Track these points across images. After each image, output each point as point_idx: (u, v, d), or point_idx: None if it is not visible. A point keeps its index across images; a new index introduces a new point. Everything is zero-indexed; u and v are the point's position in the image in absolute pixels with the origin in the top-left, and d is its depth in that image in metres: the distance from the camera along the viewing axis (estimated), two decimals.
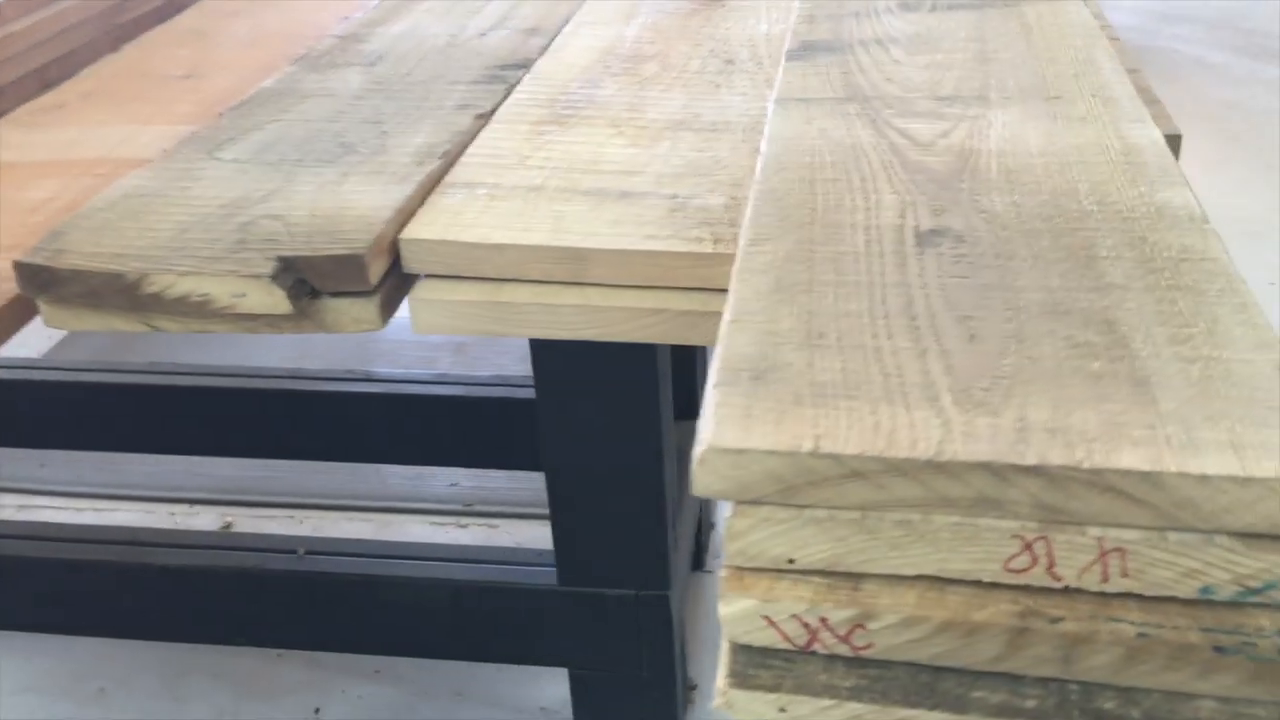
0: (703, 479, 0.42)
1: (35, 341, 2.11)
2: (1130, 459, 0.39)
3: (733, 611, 0.43)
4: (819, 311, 0.49)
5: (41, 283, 0.69)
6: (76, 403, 1.67)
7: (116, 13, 1.26)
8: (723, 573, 0.44)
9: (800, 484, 0.41)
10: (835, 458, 0.41)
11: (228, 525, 1.79)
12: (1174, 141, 0.93)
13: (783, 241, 0.55)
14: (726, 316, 0.50)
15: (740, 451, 0.41)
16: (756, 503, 0.42)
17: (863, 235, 0.55)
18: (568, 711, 1.31)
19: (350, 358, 2.11)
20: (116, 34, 1.25)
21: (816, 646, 0.43)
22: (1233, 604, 0.40)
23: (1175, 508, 0.39)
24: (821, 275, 0.52)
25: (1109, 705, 0.41)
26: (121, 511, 1.80)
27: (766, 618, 0.42)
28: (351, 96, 0.93)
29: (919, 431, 0.41)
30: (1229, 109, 3.29)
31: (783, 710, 0.42)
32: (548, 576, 1.21)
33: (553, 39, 1.05)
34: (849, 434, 0.41)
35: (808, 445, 0.41)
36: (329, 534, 1.74)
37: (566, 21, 1.10)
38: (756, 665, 0.43)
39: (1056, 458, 0.39)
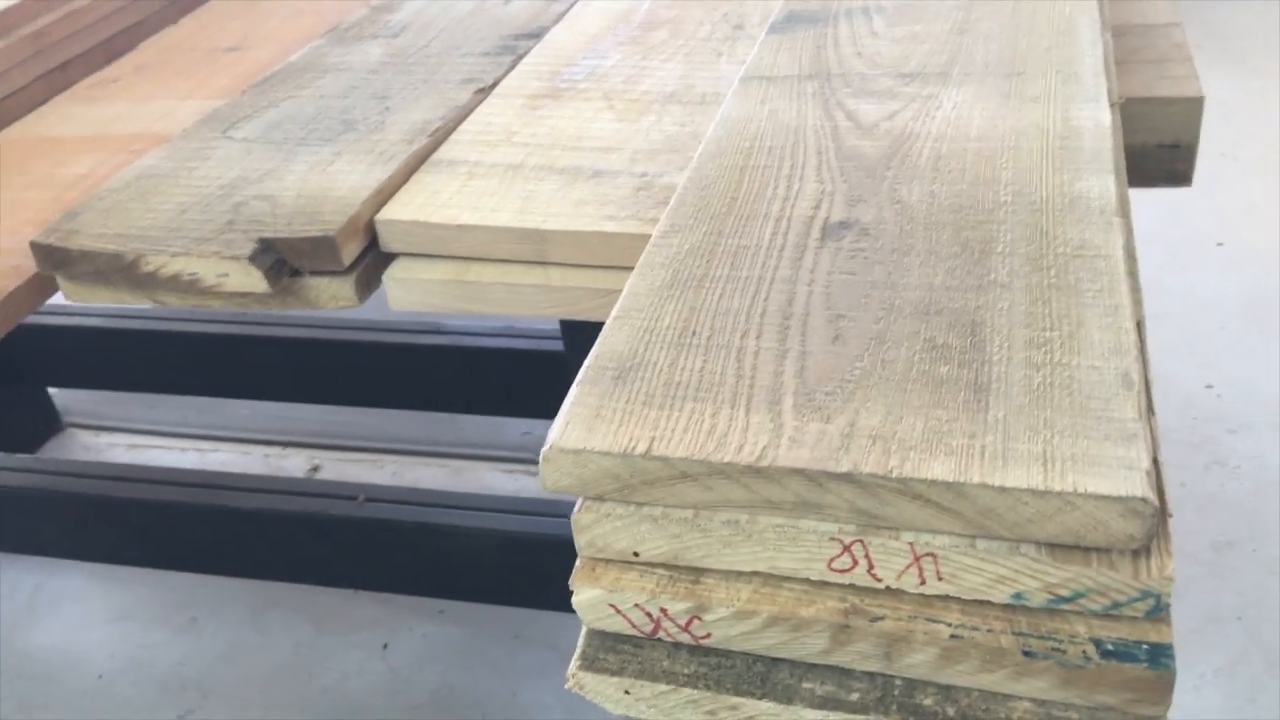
0: (549, 475, 0.45)
1: None
2: (938, 469, 0.40)
3: (583, 599, 0.45)
4: (701, 308, 0.51)
5: (56, 261, 0.76)
6: (182, 350, 1.78)
7: None
8: (577, 562, 0.46)
9: (635, 483, 0.43)
10: (665, 460, 0.43)
11: (315, 468, 1.89)
12: (1192, 105, 0.89)
13: (692, 233, 0.57)
14: (613, 311, 0.52)
15: (580, 451, 0.44)
16: (599, 499, 0.44)
17: (771, 227, 0.56)
18: None
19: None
20: (181, 5, 1.32)
21: (661, 634, 0.45)
22: (1046, 610, 0.41)
23: (981, 517, 0.40)
24: (717, 270, 0.53)
25: (928, 702, 0.42)
26: (221, 452, 1.93)
27: (613, 606, 0.45)
28: (367, 70, 0.97)
29: (749, 436, 0.43)
30: None
31: (627, 692, 0.45)
32: None
33: (573, 4, 1.07)
34: (683, 437, 0.43)
35: (641, 448, 0.43)
36: (408, 479, 1.82)
37: None
38: (607, 650, 0.46)
39: (868, 466, 0.40)
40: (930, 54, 0.72)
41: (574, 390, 0.47)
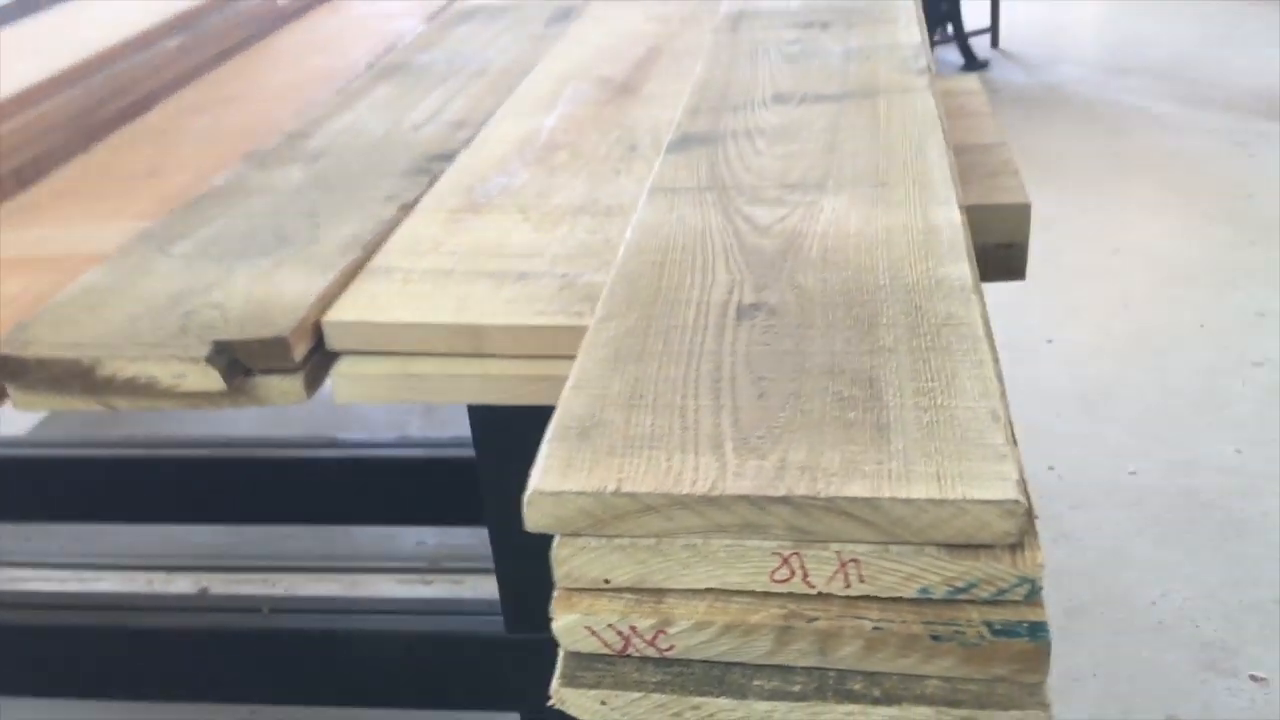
0: (532, 516, 0.52)
1: (21, 420, 2.21)
2: (856, 488, 0.50)
3: (563, 625, 0.53)
4: (644, 377, 0.60)
5: (10, 371, 0.80)
6: (59, 477, 1.77)
7: (89, 114, 1.38)
8: (555, 593, 0.54)
9: (607, 518, 0.52)
10: (632, 495, 0.51)
11: (204, 590, 1.88)
12: (1022, 211, 1.04)
13: (627, 318, 0.66)
14: (569, 383, 0.60)
15: (558, 493, 0.52)
16: (575, 534, 0.52)
17: (694, 311, 0.66)
18: None
19: (321, 424, 2.21)
20: (89, 133, 1.37)
21: (631, 650, 0.53)
22: (947, 601, 0.50)
23: (892, 525, 0.49)
24: (653, 346, 0.63)
25: (857, 687, 0.51)
26: (103, 580, 1.89)
27: (589, 628, 0.53)
28: (292, 191, 1.04)
29: (700, 473, 0.52)
30: (1171, 157, 3.44)
31: (603, 703, 0.52)
32: (496, 625, 1.29)
33: (478, 131, 1.17)
34: (645, 477, 0.52)
35: (611, 486, 0.51)
36: (301, 594, 1.83)
37: (494, 113, 1.22)
38: (583, 668, 0.53)
39: (800, 490, 0.50)
40: (808, 168, 0.85)
41: (546, 446, 0.55)
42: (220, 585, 1.86)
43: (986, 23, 4.62)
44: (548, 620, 1.32)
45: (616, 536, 0.52)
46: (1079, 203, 3.05)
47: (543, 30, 1.56)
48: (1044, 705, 0.50)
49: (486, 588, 1.80)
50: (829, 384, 0.58)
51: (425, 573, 1.85)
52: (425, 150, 1.13)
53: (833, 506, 0.49)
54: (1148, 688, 1.54)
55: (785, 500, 0.50)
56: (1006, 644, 0.49)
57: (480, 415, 1.15)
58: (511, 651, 1.29)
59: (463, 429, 2.22)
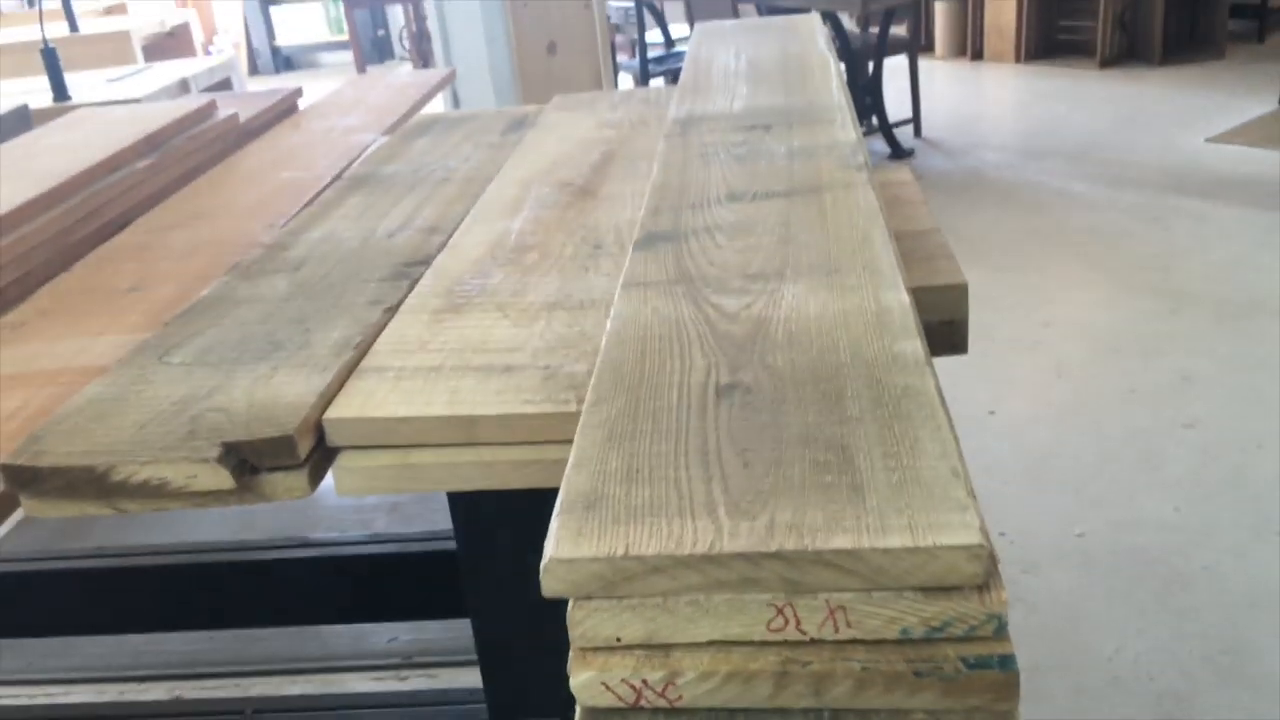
0: (548, 583, 0.58)
1: None
2: (840, 541, 0.56)
3: (579, 682, 0.58)
4: (638, 454, 0.66)
5: (24, 480, 0.84)
6: (25, 593, 1.76)
7: (67, 234, 1.43)
8: (571, 654, 0.59)
9: (617, 580, 0.57)
10: (640, 559, 0.57)
11: (176, 699, 1.87)
12: (960, 291, 1.13)
13: (616, 401, 0.72)
14: (570, 463, 0.66)
15: (572, 560, 0.57)
16: (588, 597, 0.58)
17: (676, 392, 0.73)
18: None
19: (290, 525, 2.23)
20: (68, 253, 1.42)
21: (643, 702, 0.58)
22: (925, 640, 0.56)
23: (874, 574, 0.56)
24: (643, 425, 0.69)
25: None
26: (74, 695, 1.88)
27: (604, 684, 0.58)
28: (279, 300, 1.10)
29: (699, 535, 0.58)
30: (1091, 233, 3.62)
31: None
32: (480, 716, 1.32)
33: (450, 236, 1.24)
34: (650, 541, 0.58)
35: (620, 551, 0.57)
36: (278, 695, 1.83)
37: (462, 219, 1.30)
38: None
39: (790, 545, 0.56)
40: (766, 260, 0.92)
41: (557, 520, 0.60)
42: (193, 692, 1.86)
43: (908, 113, 4.84)
44: (532, 708, 1.35)
45: (626, 597, 0.57)
46: (1008, 280, 3.20)
47: (499, 139, 1.65)
48: None
49: (462, 680, 1.83)
50: (805, 452, 0.64)
51: (399, 669, 1.87)
52: (402, 256, 1.19)
53: (820, 559, 0.56)
54: None
55: (777, 555, 0.56)
56: (981, 675, 0.55)
57: (461, 509, 1.20)
58: None
59: (428, 524, 2.26)
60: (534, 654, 1.28)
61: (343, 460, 0.86)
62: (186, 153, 1.76)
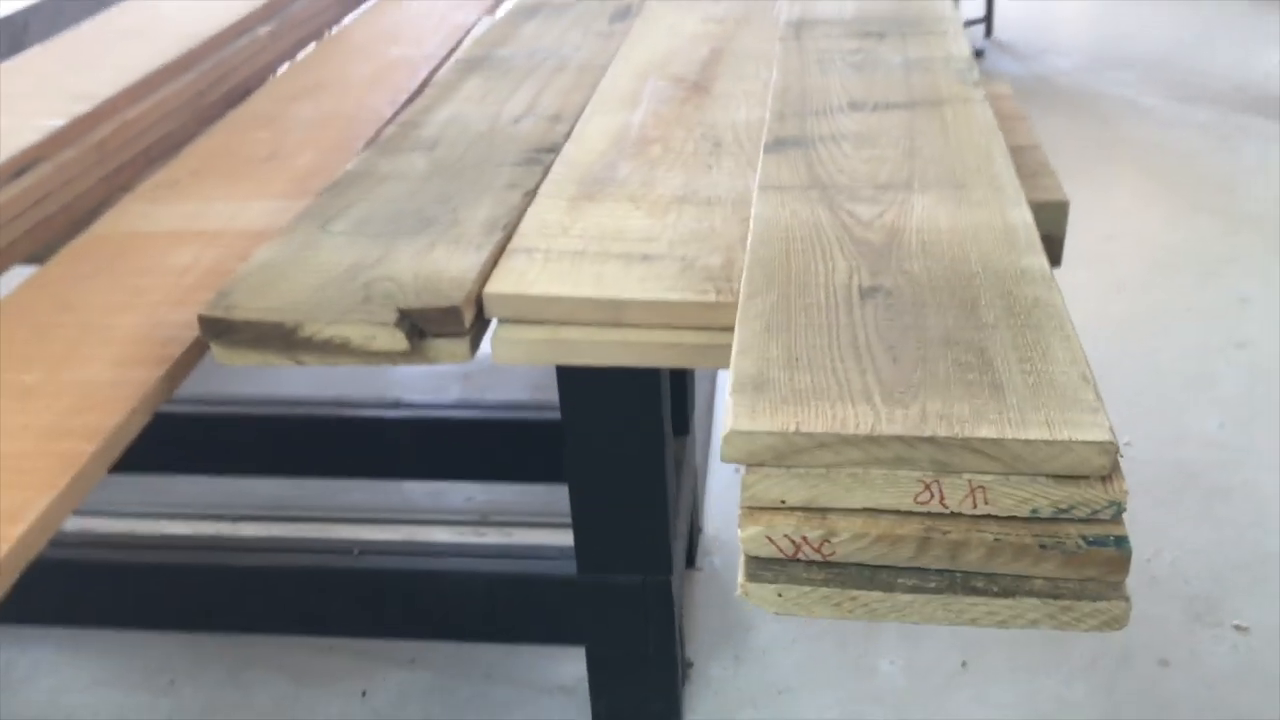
0: (726, 451, 0.67)
1: None
2: (986, 431, 0.65)
3: (748, 534, 0.68)
4: (795, 344, 0.75)
5: (219, 331, 0.93)
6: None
7: (201, 98, 1.50)
8: (740, 511, 0.69)
9: (788, 452, 0.66)
10: (809, 435, 0.66)
11: (286, 537, 2.01)
12: (1060, 208, 1.19)
13: (769, 296, 0.81)
14: (735, 349, 0.75)
15: (750, 433, 0.66)
16: (760, 465, 0.67)
17: (823, 291, 0.81)
18: (583, 688, 1.55)
19: (366, 387, 2.35)
20: (201, 115, 1.50)
21: (800, 555, 0.68)
22: (1052, 519, 0.65)
23: (1013, 460, 0.64)
24: (796, 319, 0.78)
25: (979, 584, 0.66)
26: (175, 529, 2.03)
27: (768, 537, 0.67)
28: (419, 178, 1.18)
29: (860, 418, 0.67)
30: (1158, 149, 3.61)
31: (780, 595, 0.67)
32: (568, 568, 1.44)
33: (574, 125, 1.31)
34: (817, 420, 0.67)
35: (791, 428, 0.66)
36: (378, 540, 1.97)
37: (583, 108, 1.36)
38: (763, 569, 0.68)
39: (942, 431, 0.65)
40: (894, 171, 0.99)
41: (730, 398, 0.69)
42: (284, 533, 2.00)
43: (981, 13, 4.77)
44: (617, 562, 1.47)
45: (794, 467, 0.67)
46: (1074, 193, 3.21)
47: (607, 28, 1.70)
48: (1125, 598, 0.65)
49: (533, 539, 1.96)
50: (948, 352, 0.73)
51: (477, 525, 2.00)
52: (530, 142, 1.27)
53: (967, 445, 0.65)
54: (1142, 636, 1.71)
55: (931, 440, 0.65)
56: (1098, 552, 0.65)
57: (568, 381, 1.29)
58: (583, 591, 1.44)
59: (500, 394, 2.37)
60: (622, 517, 1.39)
61: (500, 332, 0.95)
62: (300, 20, 1.82)
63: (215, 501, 2.06)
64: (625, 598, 1.44)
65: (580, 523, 1.41)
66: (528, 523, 2.00)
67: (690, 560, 1.83)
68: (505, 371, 2.48)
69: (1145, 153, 3.57)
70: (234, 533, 2.02)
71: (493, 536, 1.99)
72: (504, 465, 1.90)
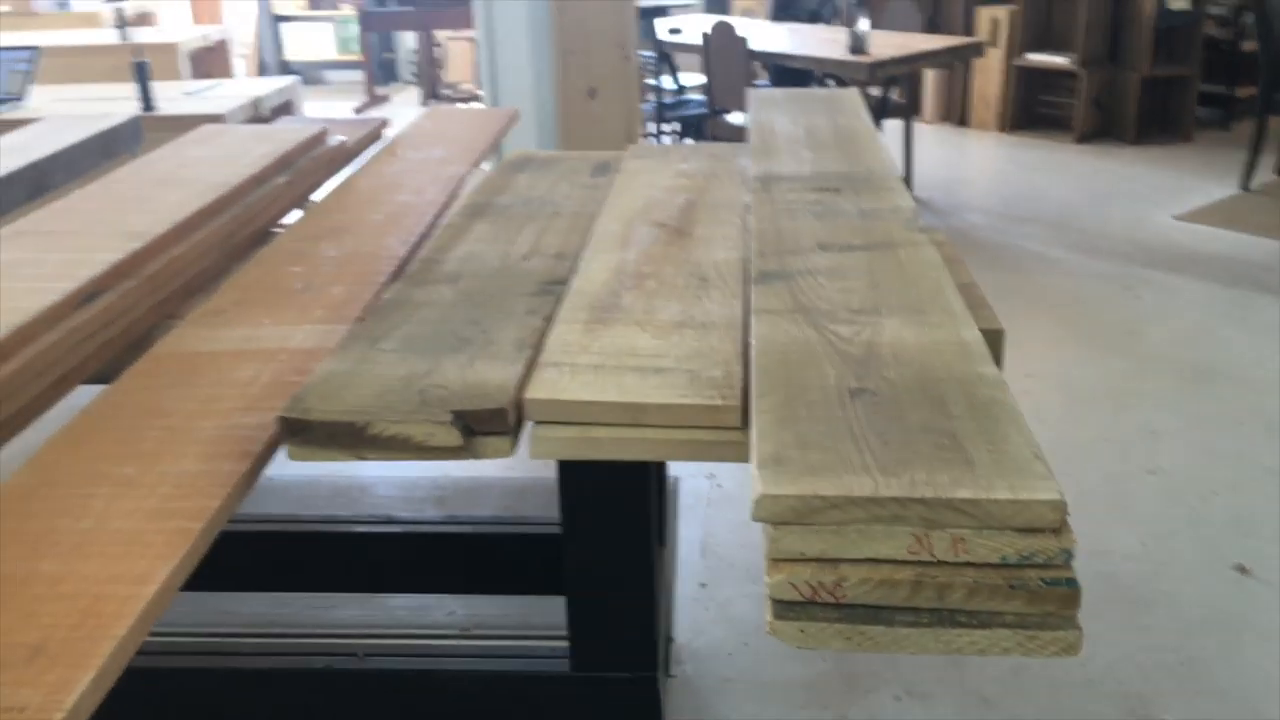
0: (758, 511, 0.84)
1: None
2: (964, 493, 0.82)
3: (774, 581, 0.83)
4: (804, 431, 0.92)
5: (295, 430, 1.08)
6: None
7: (229, 238, 1.67)
8: (766, 563, 0.85)
9: (806, 511, 0.83)
10: (824, 498, 0.83)
11: (288, 643, 2.08)
12: (997, 335, 1.40)
13: (775, 396, 0.99)
14: (754, 435, 0.92)
15: (777, 496, 0.83)
16: (784, 523, 0.84)
17: (819, 392, 0.99)
18: None
19: (342, 507, 2.45)
20: (232, 254, 1.66)
21: (817, 598, 0.84)
22: (1018, 565, 0.82)
23: (986, 516, 0.82)
24: (799, 414, 0.95)
25: (962, 619, 0.82)
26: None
27: (791, 583, 0.83)
28: (449, 305, 1.35)
29: (863, 485, 0.84)
30: (1068, 297, 3.93)
31: (802, 631, 0.83)
32: (562, 665, 1.56)
33: (575, 261, 1.50)
34: (829, 487, 0.84)
35: (809, 492, 0.83)
36: (384, 643, 2.05)
37: (581, 248, 1.55)
38: (787, 610, 0.84)
39: (930, 493, 0.82)
40: (863, 299, 1.19)
41: (757, 471, 0.86)
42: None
43: (901, 172, 5.18)
44: (607, 660, 1.59)
45: (811, 524, 0.83)
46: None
47: (591, 181, 1.92)
48: (1077, 627, 0.82)
49: (511, 647, 2.06)
50: (926, 437, 0.91)
51: (458, 639, 2.10)
52: (540, 276, 1.45)
53: (950, 504, 0.82)
54: None
55: (921, 500, 0.82)
56: (1054, 590, 0.82)
57: (569, 490, 1.44)
58: (577, 688, 1.56)
59: (477, 511, 2.48)
60: (612, 618, 1.52)
61: (538, 432, 1.11)
62: (308, 172, 2.01)
63: (200, 620, 2.14)
64: (616, 693, 1.56)
65: (576, 622, 1.54)
66: (510, 635, 2.11)
67: (665, 668, 1.96)
68: (479, 492, 2.61)
69: (1057, 299, 3.88)
70: (228, 647, 2.08)
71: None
72: (485, 578, 2.02)
